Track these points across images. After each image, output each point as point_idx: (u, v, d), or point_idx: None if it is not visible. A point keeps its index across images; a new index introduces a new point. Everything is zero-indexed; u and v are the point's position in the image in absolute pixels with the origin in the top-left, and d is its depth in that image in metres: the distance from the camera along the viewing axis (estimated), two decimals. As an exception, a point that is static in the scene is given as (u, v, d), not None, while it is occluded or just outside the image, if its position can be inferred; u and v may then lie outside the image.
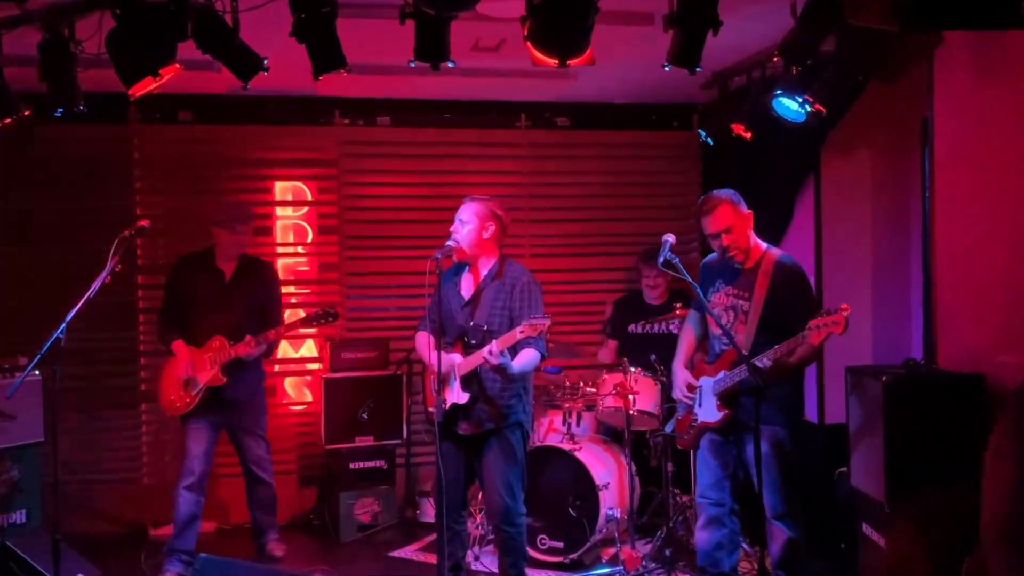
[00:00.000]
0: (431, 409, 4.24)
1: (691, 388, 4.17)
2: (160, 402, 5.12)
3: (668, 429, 4.50)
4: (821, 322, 3.58)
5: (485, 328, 4.11)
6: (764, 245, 4.10)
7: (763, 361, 3.74)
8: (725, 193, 4.06)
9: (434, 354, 3.98)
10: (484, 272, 4.22)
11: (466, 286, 4.24)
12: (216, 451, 5.19)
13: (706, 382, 4.10)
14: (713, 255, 4.22)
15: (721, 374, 4.01)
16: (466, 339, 4.15)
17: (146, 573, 5.01)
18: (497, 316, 4.13)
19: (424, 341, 4.27)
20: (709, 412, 4.06)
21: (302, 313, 6.20)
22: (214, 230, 5.08)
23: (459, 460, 4.23)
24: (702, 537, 4.19)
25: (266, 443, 5.28)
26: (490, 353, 3.89)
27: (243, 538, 5.56)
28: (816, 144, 5.44)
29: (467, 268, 4.25)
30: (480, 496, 4.72)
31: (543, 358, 4.16)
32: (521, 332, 3.87)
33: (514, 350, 4.04)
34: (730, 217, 3.99)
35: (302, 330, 6.29)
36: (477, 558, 5.02)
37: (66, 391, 5.49)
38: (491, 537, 4.95)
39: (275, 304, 5.23)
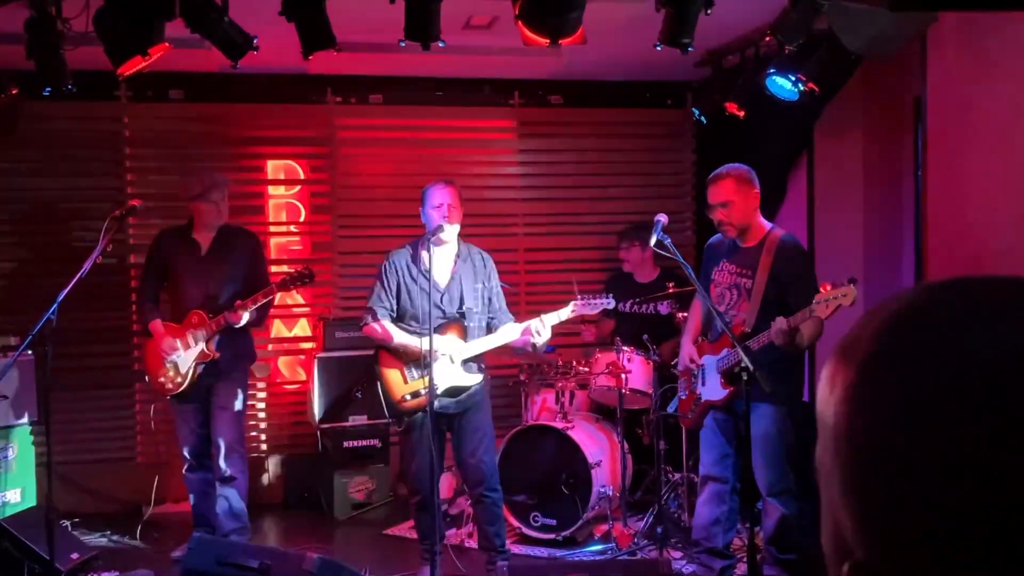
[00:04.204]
0: (408, 396, 4.24)
1: (693, 361, 4.20)
2: (151, 384, 4.91)
3: (671, 409, 4.51)
4: (830, 295, 3.53)
5: (476, 310, 4.24)
6: (768, 225, 4.10)
7: (768, 335, 3.75)
8: (736, 168, 4.03)
9: (413, 339, 4.16)
10: (453, 254, 4.29)
11: (438, 270, 4.26)
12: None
13: (709, 360, 4.12)
14: (718, 235, 4.23)
15: (724, 352, 4.02)
16: (465, 322, 4.22)
17: (170, 558, 4.92)
18: (479, 297, 4.25)
19: (389, 330, 4.26)
20: (713, 390, 4.08)
21: (297, 295, 6.23)
22: (191, 205, 4.87)
23: (440, 441, 4.32)
24: (702, 512, 4.22)
25: (239, 429, 4.88)
26: (538, 333, 4.10)
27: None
28: (809, 122, 5.43)
29: (430, 251, 4.17)
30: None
31: None
32: (574, 311, 4.10)
33: (488, 328, 4.28)
34: (731, 192, 3.98)
35: (293, 302, 6.29)
36: (471, 535, 5.05)
37: (59, 371, 5.48)
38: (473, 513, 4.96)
39: (260, 273, 4.91)
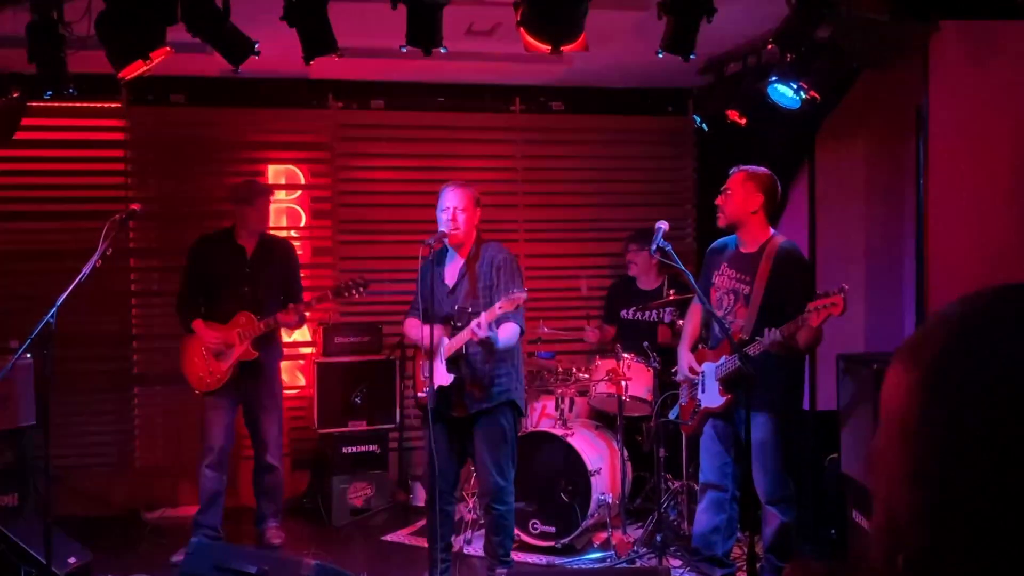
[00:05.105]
0: (421, 394, 4.27)
1: (693, 371, 4.19)
2: (188, 380, 5.07)
3: (672, 415, 4.51)
4: (820, 303, 3.61)
5: (470, 310, 4.16)
6: (771, 232, 4.12)
7: (762, 344, 3.75)
8: (757, 169, 4.12)
9: (425, 337, 4.02)
10: (465, 256, 4.26)
11: (449, 272, 4.27)
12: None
13: (708, 367, 4.12)
14: (720, 240, 4.24)
15: (723, 359, 4.02)
16: (452, 322, 4.18)
17: (168, 562, 4.91)
18: (480, 297, 4.19)
19: (413, 326, 4.34)
20: (712, 397, 4.09)
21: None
22: (236, 208, 5.14)
23: (450, 443, 4.26)
24: (701, 520, 4.22)
25: (280, 424, 5.25)
26: (478, 326, 3.91)
27: (244, 520, 5.54)
28: (810, 131, 5.43)
29: (449, 254, 4.26)
30: (472, 480, 4.74)
31: (522, 332, 4.19)
32: (500, 307, 3.90)
33: (497, 326, 4.12)
34: (736, 183, 4.08)
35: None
36: (469, 542, 5.04)
37: (58, 374, 5.46)
38: (483, 521, 4.96)
39: (297, 280, 5.30)
